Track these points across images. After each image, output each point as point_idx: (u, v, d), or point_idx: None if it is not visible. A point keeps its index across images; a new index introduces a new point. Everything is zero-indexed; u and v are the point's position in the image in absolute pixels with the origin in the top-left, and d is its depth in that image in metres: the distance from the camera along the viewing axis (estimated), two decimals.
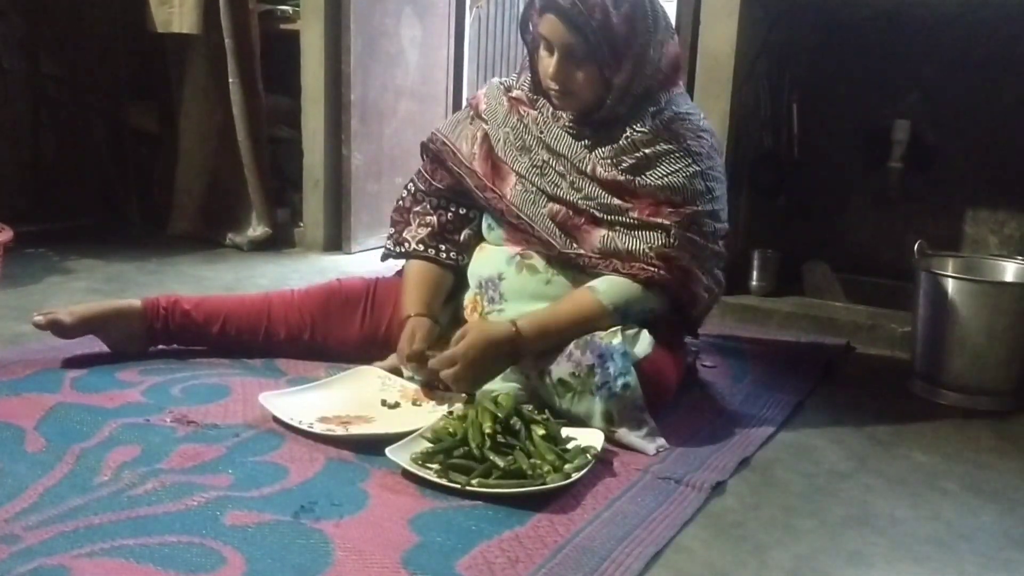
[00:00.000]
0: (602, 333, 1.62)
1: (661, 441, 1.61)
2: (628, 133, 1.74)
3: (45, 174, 3.36)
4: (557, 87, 1.74)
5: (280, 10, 3.20)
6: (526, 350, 1.65)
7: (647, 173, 1.72)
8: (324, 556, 1.19)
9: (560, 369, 1.62)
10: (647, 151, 1.73)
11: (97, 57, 3.34)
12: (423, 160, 1.96)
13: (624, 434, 1.60)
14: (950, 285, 2.00)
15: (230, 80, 3.08)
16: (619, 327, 1.64)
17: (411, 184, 1.97)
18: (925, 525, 1.43)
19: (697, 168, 1.73)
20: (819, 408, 1.92)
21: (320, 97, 3.15)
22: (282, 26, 3.20)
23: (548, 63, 1.73)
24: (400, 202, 1.98)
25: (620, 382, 1.58)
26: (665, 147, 1.73)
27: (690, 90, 2.70)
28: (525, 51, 1.85)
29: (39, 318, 1.82)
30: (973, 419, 1.92)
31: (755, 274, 2.66)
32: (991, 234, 2.58)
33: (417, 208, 1.94)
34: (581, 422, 1.61)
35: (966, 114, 2.55)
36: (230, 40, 3.04)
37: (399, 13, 3.26)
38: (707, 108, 2.49)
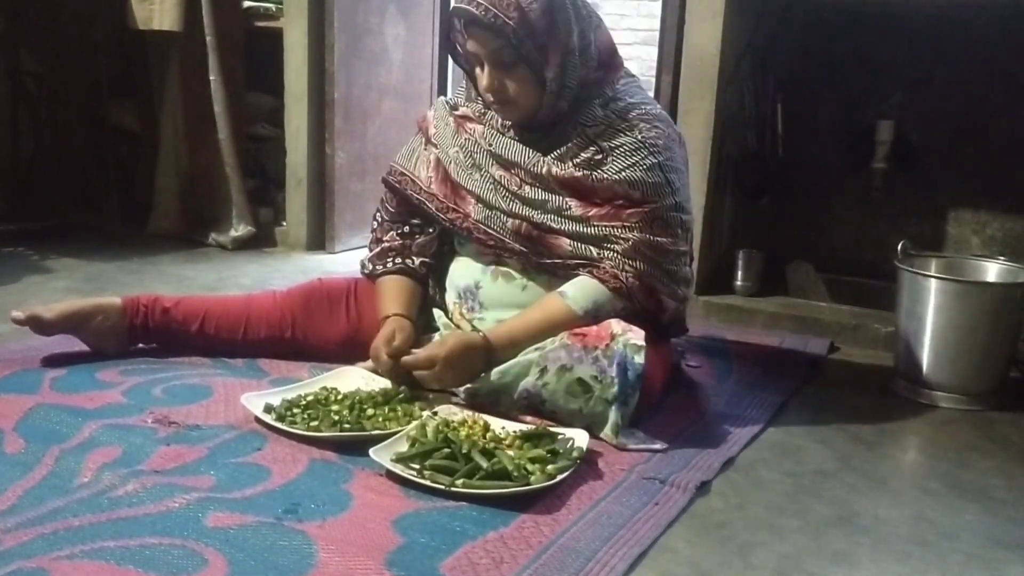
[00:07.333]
0: (625, 342, 1.59)
1: (660, 442, 1.62)
2: (579, 129, 1.74)
3: (24, 172, 3.33)
4: (493, 98, 1.74)
5: (263, 7, 3.19)
6: (497, 358, 1.67)
7: (603, 167, 1.72)
8: (307, 558, 1.18)
9: (584, 369, 1.60)
10: (602, 143, 1.72)
11: (78, 54, 3.31)
12: (384, 192, 1.97)
13: (624, 443, 1.60)
14: (933, 285, 2.01)
15: (211, 77, 3.06)
16: (640, 343, 1.60)
17: (378, 214, 1.99)
18: (908, 524, 1.43)
19: (654, 160, 1.71)
20: (803, 408, 1.93)
21: (303, 95, 3.14)
22: (265, 23, 3.19)
23: (481, 77, 1.73)
24: (372, 233, 1.99)
25: (629, 399, 1.60)
26: (620, 139, 1.72)
27: (675, 91, 2.71)
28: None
29: (18, 314, 1.81)
30: (956, 418, 1.93)
31: (739, 274, 2.67)
32: (973, 234, 2.60)
33: (385, 238, 1.95)
34: (570, 424, 1.61)
35: (950, 115, 2.56)
36: (211, 37, 3.03)
37: (383, 11, 3.25)
38: (692, 109, 2.51)
